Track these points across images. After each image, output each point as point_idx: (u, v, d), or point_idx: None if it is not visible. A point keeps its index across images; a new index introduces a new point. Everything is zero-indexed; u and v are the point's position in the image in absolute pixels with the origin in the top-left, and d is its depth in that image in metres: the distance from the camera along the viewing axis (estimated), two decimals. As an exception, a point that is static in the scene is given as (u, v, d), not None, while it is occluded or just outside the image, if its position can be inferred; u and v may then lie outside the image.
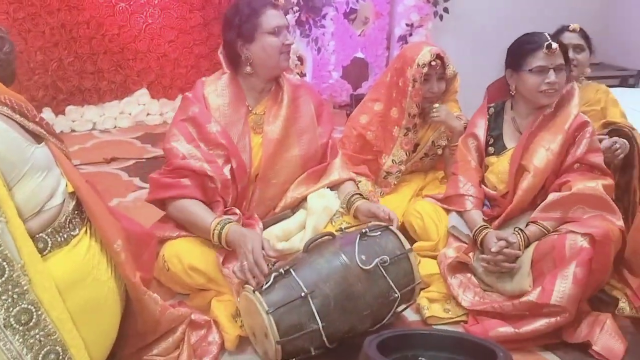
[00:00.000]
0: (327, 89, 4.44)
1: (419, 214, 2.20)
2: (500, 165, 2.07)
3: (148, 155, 3.58)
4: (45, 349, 1.22)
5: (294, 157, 2.02)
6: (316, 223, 1.96)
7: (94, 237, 1.40)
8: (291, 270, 1.61)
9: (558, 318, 1.73)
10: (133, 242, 1.49)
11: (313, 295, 1.56)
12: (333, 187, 2.09)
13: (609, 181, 1.94)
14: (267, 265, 1.65)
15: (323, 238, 1.74)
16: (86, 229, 1.39)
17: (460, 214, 2.09)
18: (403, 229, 2.18)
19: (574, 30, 2.36)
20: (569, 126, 1.96)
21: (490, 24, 4.35)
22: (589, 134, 1.96)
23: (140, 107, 4.30)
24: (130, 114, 4.28)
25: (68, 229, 1.34)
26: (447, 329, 1.82)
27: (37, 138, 1.37)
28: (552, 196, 1.92)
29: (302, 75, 4.15)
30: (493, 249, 1.87)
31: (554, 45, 1.91)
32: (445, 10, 4.22)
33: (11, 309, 1.19)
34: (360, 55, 4.61)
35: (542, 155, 1.97)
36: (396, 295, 1.66)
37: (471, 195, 2.07)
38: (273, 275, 1.60)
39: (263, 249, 1.65)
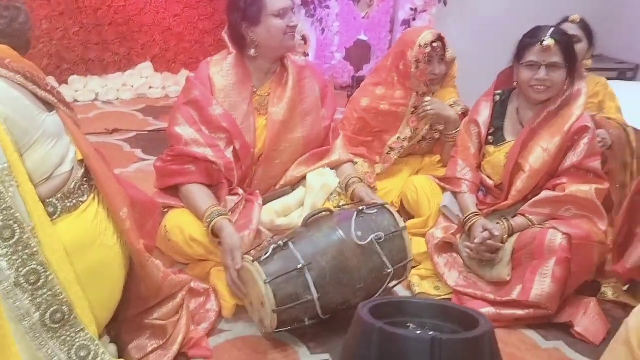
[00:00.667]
0: (330, 69, 4.46)
1: (415, 187, 2.26)
2: (496, 158, 2.09)
3: (150, 128, 3.62)
4: (52, 308, 1.28)
5: (297, 139, 2.06)
6: (314, 200, 2.01)
7: (101, 204, 1.45)
8: (289, 243, 1.67)
9: (538, 311, 1.81)
10: (138, 210, 1.55)
11: (310, 267, 1.63)
12: (333, 167, 2.14)
13: (604, 185, 1.95)
14: (268, 237, 1.72)
15: (321, 214, 1.80)
16: (94, 196, 1.45)
17: (454, 195, 2.13)
18: (399, 207, 2.27)
19: (573, 21, 2.39)
20: (568, 128, 1.94)
21: (493, 12, 4.36)
22: (588, 139, 1.94)
23: (143, 80, 4.33)
24: (132, 87, 4.30)
25: (77, 195, 1.40)
26: (434, 299, 1.90)
27: (49, 106, 1.41)
28: (544, 194, 1.95)
29: (306, 55, 4.17)
30: (476, 240, 1.92)
31: (548, 41, 1.88)
32: (450, -5, 4.23)
33: (21, 269, 1.24)
34: (363, 37, 4.62)
35: (538, 154, 1.97)
36: (389, 270, 1.72)
37: (467, 180, 2.11)
38: (272, 247, 1.66)
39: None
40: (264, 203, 2.00)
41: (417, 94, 2.41)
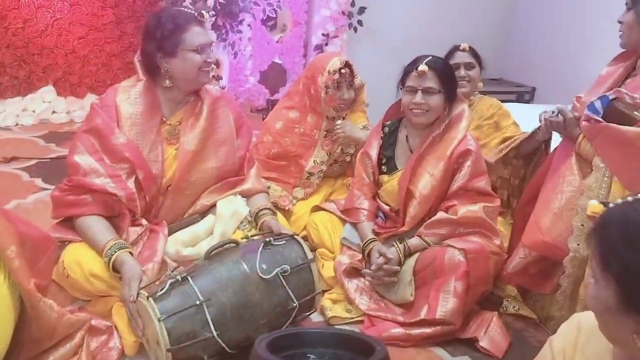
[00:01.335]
0: (244, 92, 4.45)
1: (316, 224, 2.29)
2: (390, 185, 2.15)
3: (52, 155, 3.44)
4: None
5: (209, 169, 2.02)
6: (224, 228, 1.97)
7: (-15, 242, 1.35)
8: (188, 278, 1.59)
9: (445, 327, 1.88)
10: (29, 247, 1.45)
11: (209, 303, 1.56)
12: (245, 195, 2.10)
13: (493, 203, 2.03)
14: (168, 270, 1.66)
15: (226, 246, 1.74)
16: (-23, 234, 1.34)
17: (353, 225, 2.19)
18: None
19: (464, 50, 2.54)
20: (451, 152, 2.01)
21: (400, 38, 4.55)
22: (471, 161, 2.01)
23: (45, 105, 4.12)
24: (34, 111, 4.08)
25: (-44, 235, 1.29)
26: (334, 328, 1.91)
27: None
28: (439, 215, 2.01)
29: (219, 78, 4.14)
30: (372, 267, 1.98)
31: (422, 68, 1.98)
32: (359, 22, 4.37)
33: None
34: (278, 61, 4.66)
35: (426, 180, 2.03)
36: (294, 304, 1.67)
37: (364, 209, 2.17)
38: (169, 282, 1.58)
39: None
40: (171, 232, 1.94)
41: (327, 118, 2.46)
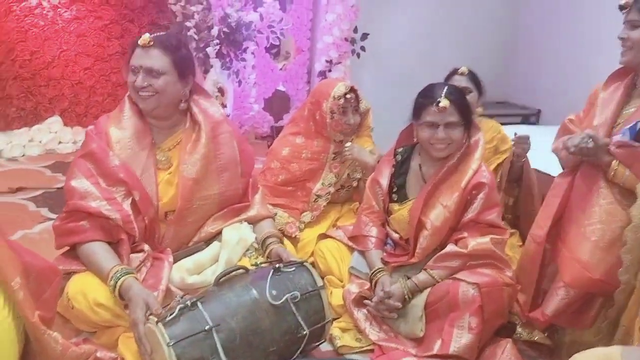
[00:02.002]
0: (249, 120, 4.47)
1: (322, 252, 2.27)
2: (400, 215, 2.10)
3: (59, 185, 3.42)
4: None
5: (212, 196, 1.99)
6: (230, 255, 1.94)
7: (-11, 273, 1.33)
8: (198, 303, 1.57)
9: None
10: (34, 278, 1.43)
11: (218, 329, 1.53)
12: (251, 222, 2.08)
13: (502, 235, 1.99)
14: (177, 296, 1.63)
15: (236, 272, 1.72)
16: (-19, 265, 1.32)
17: (361, 253, 2.16)
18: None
19: (462, 74, 2.52)
20: (465, 184, 1.96)
21: (405, 63, 4.59)
22: (484, 194, 1.97)
23: (52, 135, 4.15)
24: (40, 142, 4.11)
25: (-40, 267, 1.27)
26: (345, 358, 1.88)
27: None
28: (448, 248, 1.97)
29: (223, 106, 4.16)
30: (374, 299, 1.95)
31: (443, 103, 1.90)
32: (362, 48, 4.40)
33: None
34: (281, 88, 4.69)
35: (439, 212, 1.99)
36: (304, 332, 1.64)
37: (373, 236, 2.14)
38: (179, 307, 1.56)
39: (148, 310, 1.61)
40: (176, 260, 1.91)
41: (334, 142, 2.47)
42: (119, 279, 1.69)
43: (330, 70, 4.48)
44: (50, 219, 2.91)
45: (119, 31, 4.24)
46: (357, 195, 2.63)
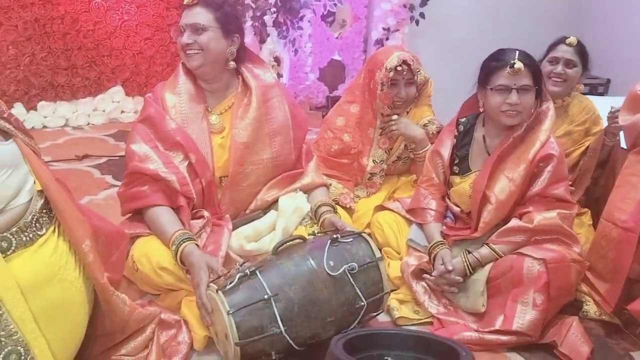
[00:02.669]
0: (304, 90, 4.45)
1: (380, 224, 2.23)
2: (462, 187, 2.05)
3: (121, 153, 3.52)
4: (6, 349, 1.20)
5: (264, 160, 2.00)
6: (286, 224, 1.95)
7: (62, 236, 1.38)
8: (257, 272, 1.59)
9: (521, 337, 1.77)
10: (103, 241, 1.48)
11: (277, 298, 1.54)
12: (305, 190, 2.08)
13: (570, 210, 1.91)
14: (237, 264, 1.65)
15: (293, 241, 1.73)
16: (54, 228, 1.38)
17: (420, 226, 2.11)
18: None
19: (570, 44, 2.34)
20: (533, 156, 1.89)
21: (465, 30, 4.42)
22: (552, 166, 1.89)
23: (114, 105, 4.26)
24: (104, 111, 4.23)
25: (35, 228, 1.33)
26: (412, 329, 1.84)
27: (5, 134, 1.34)
28: (512, 222, 1.90)
29: (279, 76, 4.15)
30: (433, 273, 1.91)
31: (518, 65, 1.83)
32: (422, 15, 4.27)
33: (-29, 308, 1.16)
34: (337, 57, 4.63)
35: (504, 185, 1.92)
36: (362, 303, 1.63)
37: (432, 209, 2.08)
38: (238, 275, 1.58)
39: (212, 272, 1.64)
40: (234, 228, 1.94)
41: (382, 116, 2.40)
42: (180, 244, 1.72)
43: (387, 39, 4.38)
44: (114, 186, 3.01)
45: (177, 1, 4.27)
46: (414, 166, 2.57)
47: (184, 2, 1.89)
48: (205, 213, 1.91)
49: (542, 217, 1.88)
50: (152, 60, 4.33)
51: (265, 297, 1.54)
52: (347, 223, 1.94)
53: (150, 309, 1.63)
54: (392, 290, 1.97)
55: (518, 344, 1.79)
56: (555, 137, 1.97)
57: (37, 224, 1.33)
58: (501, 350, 1.79)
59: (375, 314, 1.78)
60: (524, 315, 1.77)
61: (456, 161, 2.09)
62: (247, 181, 2.00)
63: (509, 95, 1.87)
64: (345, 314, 1.64)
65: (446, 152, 2.08)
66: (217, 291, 1.56)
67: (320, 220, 1.95)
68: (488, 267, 1.90)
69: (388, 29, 4.34)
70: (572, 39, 2.35)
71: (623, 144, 2.26)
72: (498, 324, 1.80)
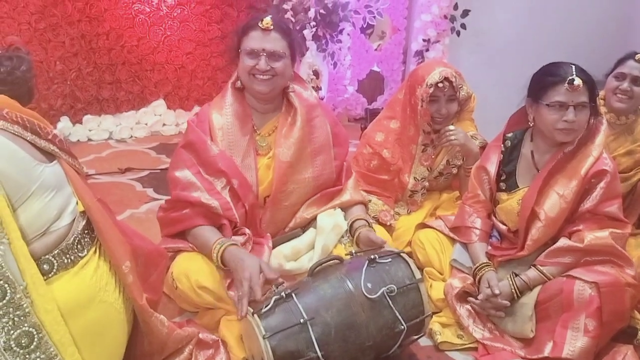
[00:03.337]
0: (342, 102, 4.44)
1: (422, 243, 2.17)
2: (509, 204, 1.98)
3: (163, 166, 3.58)
4: None
5: (306, 179, 1.99)
6: (325, 242, 1.93)
7: (102, 257, 1.39)
8: (293, 295, 1.56)
9: None
10: (142, 262, 1.49)
11: (313, 322, 1.51)
12: (344, 207, 2.05)
13: (623, 230, 1.83)
14: (273, 286, 1.62)
15: (330, 262, 1.69)
16: (95, 249, 1.39)
17: (464, 245, 2.05)
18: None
19: (639, 61, 2.25)
20: (585, 172, 1.82)
21: (507, 41, 4.31)
22: (605, 183, 1.82)
23: (157, 118, 4.34)
24: (146, 124, 4.31)
25: (76, 250, 1.34)
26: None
27: (49, 156, 1.36)
28: (562, 242, 1.83)
29: (318, 89, 4.15)
30: (480, 297, 1.85)
31: (577, 81, 1.76)
32: (463, 26, 4.20)
33: (12, 331, 1.18)
34: (376, 68, 4.60)
35: (555, 201, 1.85)
36: (402, 327, 1.59)
37: (477, 228, 2.02)
38: (274, 298, 1.55)
39: (262, 272, 1.61)
40: (274, 246, 1.92)
41: (423, 132, 2.35)
42: (224, 244, 1.72)
43: (427, 50, 4.33)
44: (155, 199, 3.05)
45: (218, 16, 4.33)
46: (457, 182, 2.50)
47: (260, 25, 1.85)
48: (247, 230, 1.90)
49: (594, 236, 1.79)
50: (193, 74, 4.40)
51: (302, 320, 1.51)
52: (381, 237, 1.88)
53: (189, 329, 1.63)
54: (434, 313, 1.92)
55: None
56: (615, 155, 1.89)
57: (78, 246, 1.35)
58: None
59: (416, 337, 1.73)
60: (574, 342, 1.69)
61: (503, 177, 2.02)
62: (289, 200, 1.98)
63: (565, 112, 1.80)
64: (385, 338, 1.60)
65: (492, 168, 2.02)
66: (252, 314, 1.54)
67: (355, 235, 1.92)
68: (536, 290, 1.82)
69: (428, 40, 4.28)
70: None
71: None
72: (547, 350, 1.72)
